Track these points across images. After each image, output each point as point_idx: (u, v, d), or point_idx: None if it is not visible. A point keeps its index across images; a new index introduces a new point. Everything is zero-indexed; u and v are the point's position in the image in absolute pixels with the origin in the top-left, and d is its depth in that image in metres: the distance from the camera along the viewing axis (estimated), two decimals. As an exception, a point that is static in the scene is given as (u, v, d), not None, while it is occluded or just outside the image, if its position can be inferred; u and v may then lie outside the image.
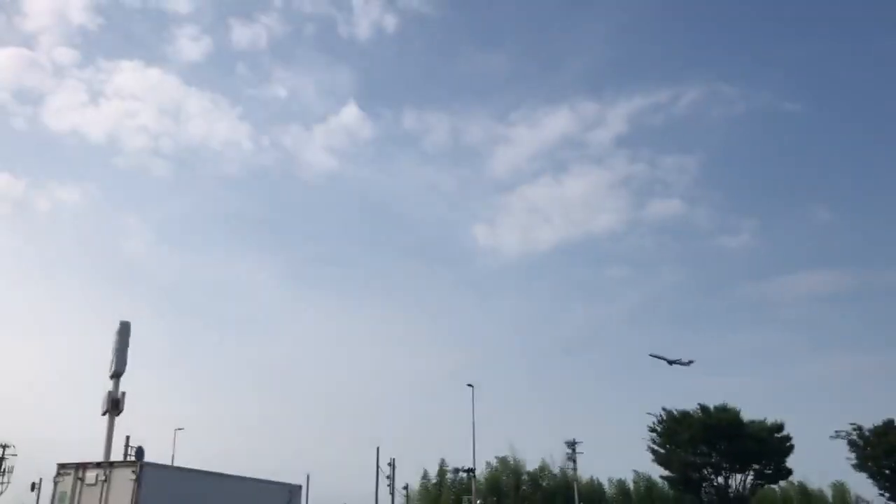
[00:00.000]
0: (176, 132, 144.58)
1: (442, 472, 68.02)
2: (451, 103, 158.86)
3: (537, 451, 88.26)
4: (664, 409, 61.79)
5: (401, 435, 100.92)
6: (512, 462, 66.16)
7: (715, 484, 59.62)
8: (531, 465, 66.58)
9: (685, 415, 60.09)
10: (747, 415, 60.07)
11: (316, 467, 68.13)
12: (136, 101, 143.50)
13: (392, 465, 58.08)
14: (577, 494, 59.17)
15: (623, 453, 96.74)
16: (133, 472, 20.84)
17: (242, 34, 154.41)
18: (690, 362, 58.30)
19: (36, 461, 57.51)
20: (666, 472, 61.61)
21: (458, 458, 68.09)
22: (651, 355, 58.16)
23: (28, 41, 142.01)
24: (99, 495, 20.99)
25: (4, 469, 59.22)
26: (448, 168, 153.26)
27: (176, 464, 39.92)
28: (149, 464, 22.05)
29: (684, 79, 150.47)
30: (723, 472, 59.42)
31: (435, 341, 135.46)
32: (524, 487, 64.43)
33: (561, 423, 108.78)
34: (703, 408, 59.83)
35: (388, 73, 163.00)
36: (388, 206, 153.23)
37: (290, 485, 28.68)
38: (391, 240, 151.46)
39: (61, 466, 22.19)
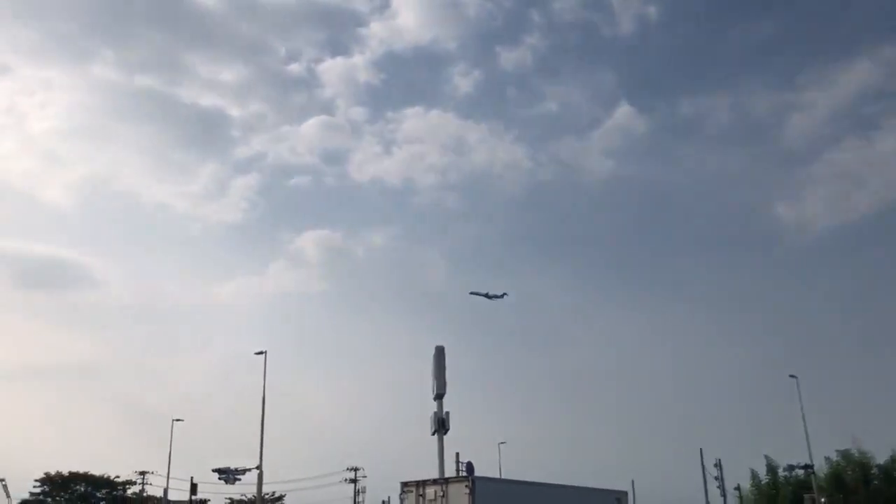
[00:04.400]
0: (460, 165, 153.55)
1: (771, 470, 63.51)
2: (729, 80, 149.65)
3: (887, 442, 78.64)
4: None
5: (722, 434, 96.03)
6: (856, 455, 59.84)
7: None
8: (881, 457, 59.69)
9: None
10: None
11: (638, 472, 67.03)
12: (423, 143, 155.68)
13: (718, 465, 55.61)
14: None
15: None
16: (466, 486, 22.26)
17: (508, 59, 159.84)
18: (504, 294, 54.20)
19: (382, 480, 63.78)
20: None
21: (787, 455, 63.11)
22: (471, 293, 55.10)
23: (327, 107, 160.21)
24: (440, 509, 22.71)
25: (358, 490, 66.65)
26: (735, 148, 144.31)
27: (503, 476, 41.73)
28: (480, 478, 23.40)
29: None
30: None
31: (746, 333, 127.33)
32: (875, 482, 57.88)
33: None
34: None
35: (657, 63, 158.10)
36: (673, 199, 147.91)
37: (616, 491, 28.70)
38: (681, 234, 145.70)
39: (404, 485, 24.35)
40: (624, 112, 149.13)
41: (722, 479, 55.53)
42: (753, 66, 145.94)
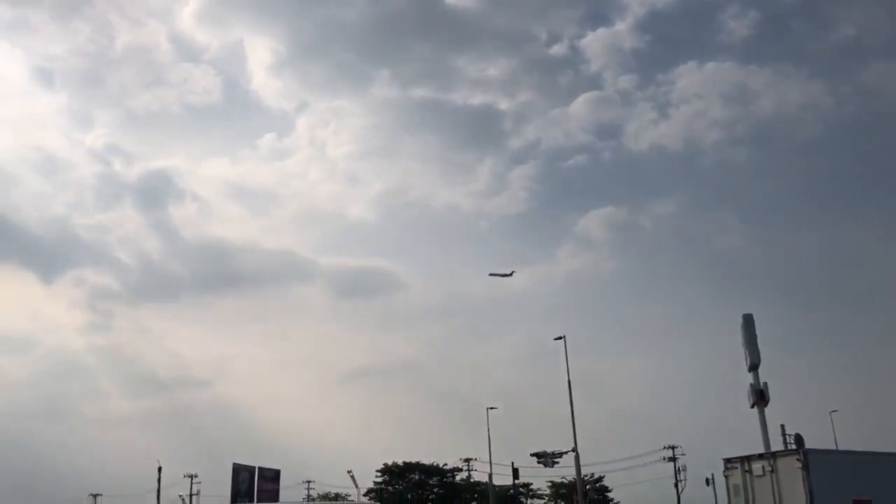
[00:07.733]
0: (746, 116, 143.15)
1: None
2: None
3: None
4: None
5: None
6: None
7: None
8: None
9: None
10: None
11: None
12: (701, 99, 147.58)
13: None
14: None
15: None
16: (798, 459, 20.66)
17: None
18: (513, 272, 54.82)
19: (701, 457, 61.65)
20: None
21: None
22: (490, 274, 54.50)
23: (595, 82, 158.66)
24: (770, 485, 21.28)
25: (679, 468, 65.23)
26: None
27: (839, 447, 38.29)
28: (812, 450, 21.66)
29: None
30: None
31: None
32: None
33: None
34: None
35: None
36: None
37: None
38: None
39: (727, 461, 23.17)
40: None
41: None
42: None
